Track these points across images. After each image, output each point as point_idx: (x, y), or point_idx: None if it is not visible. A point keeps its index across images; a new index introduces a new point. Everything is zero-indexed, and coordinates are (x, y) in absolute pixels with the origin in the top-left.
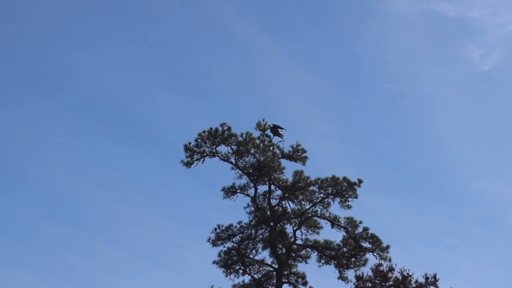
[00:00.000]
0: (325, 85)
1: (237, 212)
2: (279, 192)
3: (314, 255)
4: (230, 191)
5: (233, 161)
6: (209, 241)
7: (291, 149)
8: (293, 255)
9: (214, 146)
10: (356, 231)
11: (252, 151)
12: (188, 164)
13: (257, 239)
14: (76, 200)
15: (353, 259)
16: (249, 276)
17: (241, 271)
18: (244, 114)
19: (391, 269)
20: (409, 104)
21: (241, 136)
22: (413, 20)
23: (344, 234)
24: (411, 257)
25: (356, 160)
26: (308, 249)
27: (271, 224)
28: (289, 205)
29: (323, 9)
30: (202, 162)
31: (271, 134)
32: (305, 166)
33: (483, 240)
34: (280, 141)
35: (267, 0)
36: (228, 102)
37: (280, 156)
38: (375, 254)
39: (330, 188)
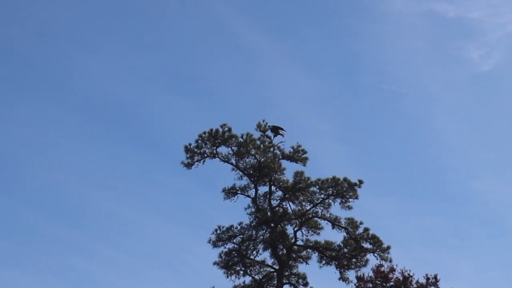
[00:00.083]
0: (325, 86)
1: (237, 213)
2: (279, 193)
3: (315, 256)
4: (230, 192)
5: (234, 162)
6: (209, 242)
7: (291, 150)
8: (294, 256)
9: (215, 147)
10: (357, 232)
11: (253, 152)
12: (188, 165)
13: (257, 240)
14: (77, 201)
15: (354, 259)
16: (250, 277)
17: (241, 272)
18: (244, 115)
19: (392, 270)
20: (409, 104)
21: (242, 137)
22: (413, 20)
23: (345, 234)
24: (412, 257)
25: (356, 161)
26: (308, 250)
27: (272, 225)
28: (290, 206)
29: (323, 10)
30: (203, 163)
31: (272, 135)
32: (306, 167)
33: (483, 241)
34: (280, 142)
35: (267, 1)
36: (228, 103)
37: (280, 157)
38: (376, 254)
39: (330, 189)
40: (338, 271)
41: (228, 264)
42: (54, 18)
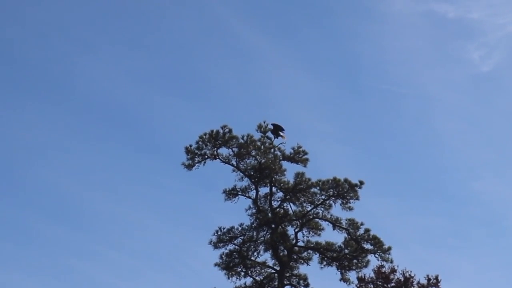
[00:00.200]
0: (325, 87)
1: (238, 214)
2: (280, 194)
3: (315, 257)
4: (231, 194)
5: (234, 163)
6: (210, 244)
7: (292, 151)
8: (295, 257)
9: (215, 149)
10: (358, 233)
11: (253, 153)
12: (189, 167)
13: (258, 241)
14: (78, 202)
15: (354, 260)
16: (251, 278)
17: (242, 273)
18: (244, 116)
19: (393, 271)
20: (409, 105)
21: (242, 138)
22: (413, 21)
23: (346, 235)
24: (413, 258)
25: (357, 162)
26: (309, 251)
27: (273, 226)
28: (291, 207)
29: (323, 11)
30: (203, 165)
31: (272, 136)
32: (306, 168)
33: (484, 241)
34: (281, 143)
35: (267, 2)
36: (228, 104)
37: (281, 158)
38: (376, 255)
39: (331, 189)
40: (339, 272)
41: (229, 265)
42: (54, 20)
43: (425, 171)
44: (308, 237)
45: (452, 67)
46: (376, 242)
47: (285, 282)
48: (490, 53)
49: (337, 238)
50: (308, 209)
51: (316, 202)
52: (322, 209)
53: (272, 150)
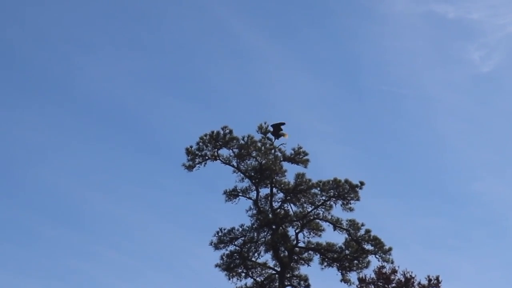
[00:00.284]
0: (326, 87)
1: (239, 215)
2: (281, 195)
3: (316, 258)
4: (232, 194)
5: (235, 164)
6: (211, 245)
7: (292, 152)
8: (296, 257)
9: (216, 150)
10: (358, 234)
11: (254, 154)
12: (190, 168)
13: (259, 242)
14: (78, 203)
15: (355, 261)
16: (252, 279)
17: (243, 274)
18: (245, 117)
19: (394, 271)
20: (409, 105)
21: (243, 139)
22: (413, 21)
23: (346, 236)
24: (414, 259)
25: (357, 162)
26: (310, 251)
27: (273, 227)
28: (291, 207)
29: (323, 11)
30: (204, 166)
31: (273, 137)
32: (307, 168)
33: (484, 241)
34: (282, 144)
35: (267, 2)
36: (229, 105)
37: (281, 159)
38: (377, 256)
39: (332, 190)
40: (339, 273)
41: (229, 266)
42: (54, 21)
43: (425, 172)
44: (308, 238)
45: (452, 67)
46: (377, 243)
47: (286, 283)
48: (490, 53)
49: (338, 239)
50: (309, 210)
51: (316, 203)
52: (323, 210)
53: (273, 151)
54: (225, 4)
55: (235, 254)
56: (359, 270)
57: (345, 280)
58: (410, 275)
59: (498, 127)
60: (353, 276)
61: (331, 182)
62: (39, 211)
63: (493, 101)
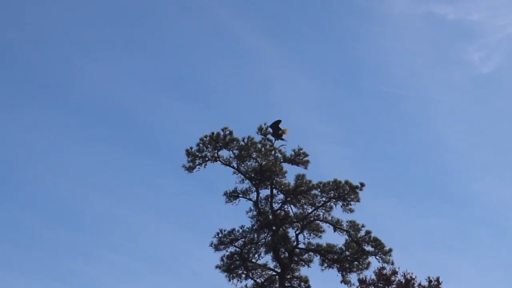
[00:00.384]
0: (326, 89)
1: (239, 216)
2: (281, 196)
3: (316, 259)
4: (232, 196)
5: (235, 165)
6: (211, 246)
7: (293, 153)
8: (296, 259)
9: (216, 151)
10: (359, 235)
11: (254, 155)
12: (190, 169)
13: (259, 243)
14: (78, 205)
15: (355, 262)
16: (252, 281)
17: (244, 275)
18: (245, 118)
19: (394, 273)
20: (409, 106)
21: (243, 140)
22: (413, 22)
23: (347, 237)
24: (414, 260)
25: (357, 164)
26: (310, 253)
27: (274, 228)
28: (291, 209)
29: (323, 12)
30: (204, 167)
31: (273, 138)
32: (307, 170)
33: (485, 242)
34: (282, 145)
35: (268, 4)
36: (229, 106)
37: (282, 160)
38: (377, 257)
39: (332, 191)
40: (340, 274)
41: (230, 267)
42: (54, 22)
43: (425, 173)
44: (309, 239)
45: (452, 68)
46: (377, 244)
47: (286, 284)
48: (490, 54)
49: (338, 240)
50: (309, 211)
51: (317, 204)
52: (323, 211)
53: (273, 152)
54: (225, 5)
55: (235, 255)
56: (360, 271)
57: (345, 281)
58: (411, 276)
59: (498, 127)
60: (353, 277)
61: (331, 183)
62: (39, 212)
63: (493, 101)
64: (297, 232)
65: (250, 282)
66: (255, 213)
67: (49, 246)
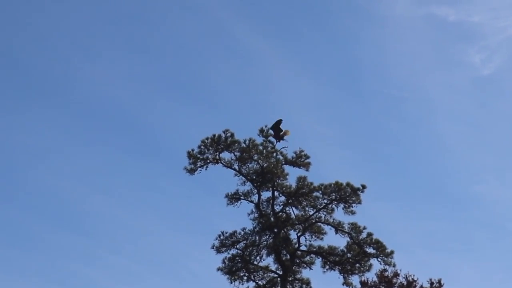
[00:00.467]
0: (327, 91)
1: (241, 218)
2: (282, 198)
3: (318, 261)
4: (233, 198)
5: (237, 167)
6: (213, 248)
7: (294, 155)
8: (298, 261)
9: (217, 153)
10: (360, 237)
11: (256, 157)
12: (191, 171)
13: (261, 245)
14: (79, 207)
15: (357, 264)
16: (254, 283)
17: (245, 278)
18: (246, 120)
19: (396, 275)
20: (410, 108)
21: (244, 142)
22: (414, 24)
23: (348, 239)
24: (416, 262)
25: (359, 166)
26: (312, 255)
27: (275, 230)
28: (293, 211)
29: (324, 14)
30: (206, 169)
31: (274, 140)
32: (309, 172)
33: (486, 244)
34: (283, 147)
35: (268, 5)
36: (230, 108)
37: (283, 162)
38: (379, 259)
39: (333, 194)
40: (341, 276)
41: (231, 270)
42: (55, 23)
43: (426, 175)
44: (310, 241)
45: (453, 70)
46: (379, 246)
47: (288, 287)
48: (491, 56)
49: (340, 242)
50: (311, 213)
51: (318, 206)
52: (325, 213)
53: (274, 154)
54: (225, 7)
55: (237, 258)
56: (361, 274)
57: (347, 283)
58: (412, 279)
59: (499, 129)
60: (355, 279)
61: (332, 185)
62: (39, 214)
63: (494, 103)
64: (298, 234)
65: (252, 284)
66: (256, 215)
67: (49, 248)
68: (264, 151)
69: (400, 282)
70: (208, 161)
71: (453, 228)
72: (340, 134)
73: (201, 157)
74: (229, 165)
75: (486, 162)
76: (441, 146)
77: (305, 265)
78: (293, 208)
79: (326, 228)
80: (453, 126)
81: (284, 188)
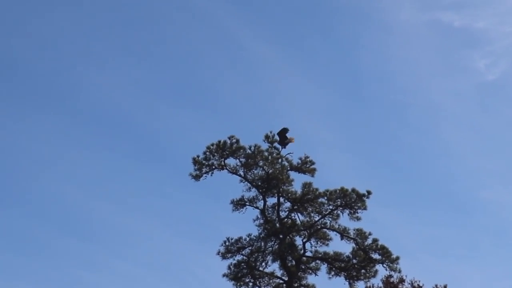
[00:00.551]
0: (332, 96)
1: (246, 224)
2: (288, 204)
3: (324, 267)
4: (239, 204)
5: (242, 173)
6: (218, 254)
7: (299, 161)
8: (303, 267)
9: (223, 159)
10: (366, 243)
11: (261, 163)
12: (196, 177)
13: (266, 251)
14: (85, 214)
15: (363, 270)
16: None
17: (251, 283)
18: (251, 126)
19: (402, 281)
20: (415, 114)
21: (250, 148)
22: (419, 30)
23: (354, 245)
24: (421, 268)
25: (364, 172)
26: (317, 261)
27: (281, 236)
28: (298, 217)
29: (328, 21)
30: (211, 175)
31: (280, 146)
32: (314, 178)
33: (492, 250)
34: (288, 153)
35: (273, 12)
36: (235, 114)
37: (288, 168)
38: (385, 265)
39: (339, 199)
40: (347, 282)
41: (237, 276)
42: (60, 32)
43: (432, 181)
44: (316, 247)
45: (458, 76)
46: (384, 252)
47: None
48: (496, 61)
49: (345, 248)
50: (316, 219)
51: (323, 212)
52: (330, 219)
53: (280, 160)
54: (231, 14)
55: (243, 264)
56: (367, 279)
57: None
58: (418, 284)
59: (504, 135)
60: (360, 285)
61: (338, 191)
62: (45, 221)
63: (499, 109)
64: (304, 240)
65: None
66: (262, 221)
67: (54, 254)
68: (270, 157)
69: None
70: (214, 167)
71: (458, 234)
72: (345, 140)
73: (206, 163)
74: (234, 171)
75: (491, 168)
76: (446, 151)
77: (310, 271)
78: (299, 214)
79: (332, 234)
80: (458, 131)
81: (289, 194)
